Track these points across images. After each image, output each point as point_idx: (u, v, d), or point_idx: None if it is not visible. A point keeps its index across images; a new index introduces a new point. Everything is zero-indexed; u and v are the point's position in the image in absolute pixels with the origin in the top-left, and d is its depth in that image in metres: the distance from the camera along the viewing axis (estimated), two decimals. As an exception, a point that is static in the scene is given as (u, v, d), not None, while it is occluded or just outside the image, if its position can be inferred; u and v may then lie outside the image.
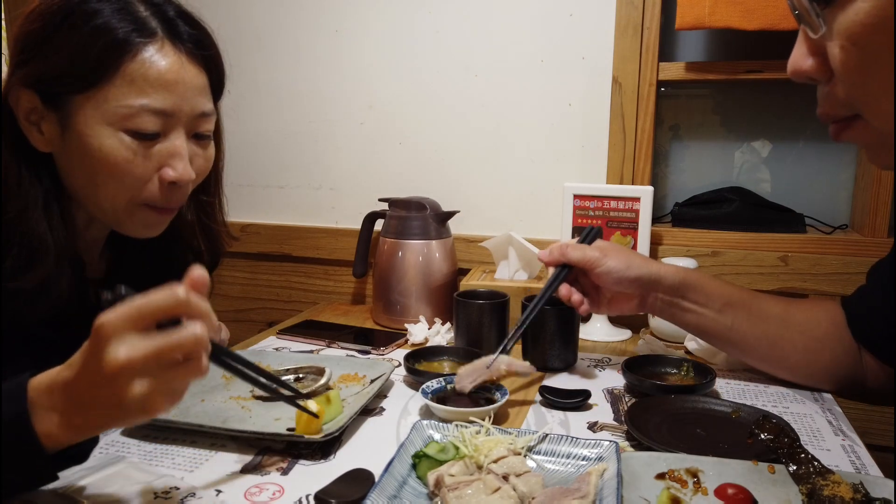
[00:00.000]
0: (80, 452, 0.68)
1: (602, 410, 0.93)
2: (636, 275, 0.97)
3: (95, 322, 0.56)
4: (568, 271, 1.00)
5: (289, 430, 0.81)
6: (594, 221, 1.30)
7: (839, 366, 0.96)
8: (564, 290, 0.99)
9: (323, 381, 0.95)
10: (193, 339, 0.56)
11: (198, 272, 0.59)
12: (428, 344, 1.22)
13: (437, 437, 0.78)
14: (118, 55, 0.77)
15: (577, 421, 0.89)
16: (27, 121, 0.80)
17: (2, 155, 0.80)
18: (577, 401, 0.93)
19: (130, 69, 0.77)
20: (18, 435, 0.58)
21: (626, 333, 1.30)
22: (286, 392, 0.75)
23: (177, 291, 0.56)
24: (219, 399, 0.93)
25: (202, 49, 0.84)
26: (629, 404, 0.93)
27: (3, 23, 1.78)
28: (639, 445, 0.80)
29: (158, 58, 0.79)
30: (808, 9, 0.56)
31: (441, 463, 0.71)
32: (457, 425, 0.78)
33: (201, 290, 0.58)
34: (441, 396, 0.91)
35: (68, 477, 0.71)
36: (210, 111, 0.86)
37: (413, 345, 1.23)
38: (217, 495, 0.70)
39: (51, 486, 0.69)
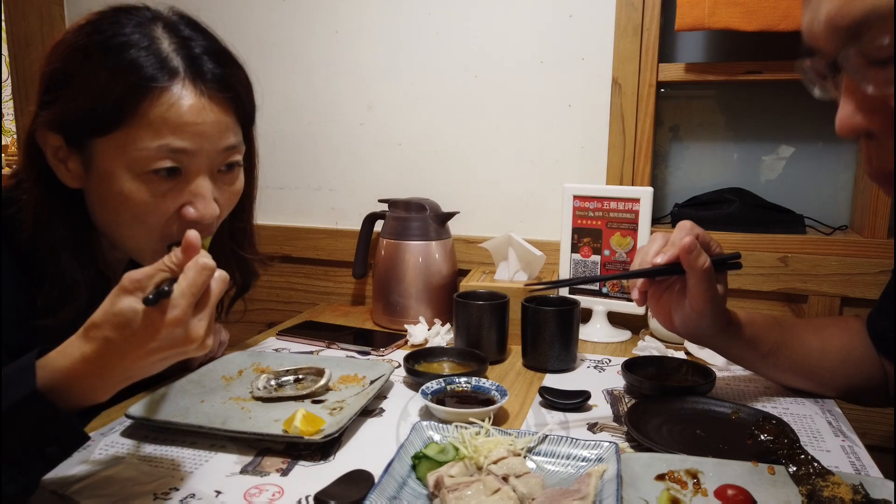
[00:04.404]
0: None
1: (602, 411, 0.93)
2: (721, 308, 0.88)
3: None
4: (671, 275, 0.87)
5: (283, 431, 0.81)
6: (594, 222, 1.30)
7: (873, 381, 0.95)
8: (641, 284, 0.88)
9: (322, 382, 0.95)
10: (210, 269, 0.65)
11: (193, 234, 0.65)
12: (428, 345, 1.22)
13: (436, 438, 0.78)
14: (138, 98, 0.75)
15: (576, 422, 0.89)
16: (55, 158, 0.79)
17: (33, 193, 0.79)
18: (576, 402, 0.93)
19: (150, 112, 0.75)
20: (38, 410, 0.60)
21: (625, 334, 1.30)
22: None
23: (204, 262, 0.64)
24: (218, 400, 0.93)
25: (226, 90, 0.81)
26: (629, 405, 0.93)
27: (3, 23, 1.78)
28: (639, 446, 0.80)
29: (178, 100, 0.76)
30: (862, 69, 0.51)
31: (441, 464, 0.71)
32: (456, 426, 0.78)
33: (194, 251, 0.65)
34: (440, 397, 0.91)
35: (69, 477, 0.71)
36: (234, 144, 0.83)
37: (413, 346, 1.23)
38: (217, 496, 0.69)
39: (50, 486, 0.69)
